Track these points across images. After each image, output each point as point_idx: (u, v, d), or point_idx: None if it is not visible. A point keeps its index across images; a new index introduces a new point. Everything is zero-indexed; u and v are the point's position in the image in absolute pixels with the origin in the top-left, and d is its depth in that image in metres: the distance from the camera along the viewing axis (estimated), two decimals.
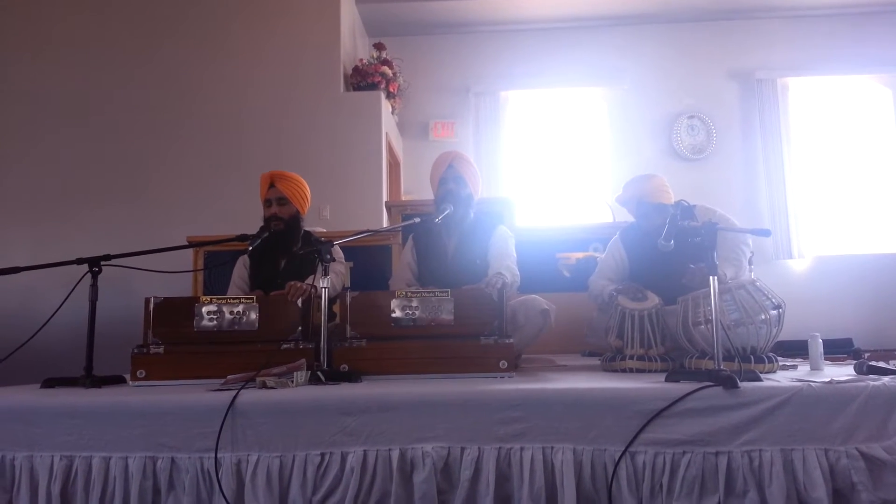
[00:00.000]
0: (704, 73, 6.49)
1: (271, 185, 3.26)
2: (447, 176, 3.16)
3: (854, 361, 2.49)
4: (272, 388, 2.23)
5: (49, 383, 2.63)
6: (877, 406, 2.00)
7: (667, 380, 2.22)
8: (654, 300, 2.79)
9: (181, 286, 4.26)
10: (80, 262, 2.74)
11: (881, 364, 2.35)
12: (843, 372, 2.41)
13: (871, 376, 2.17)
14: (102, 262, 2.75)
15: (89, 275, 2.73)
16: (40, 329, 2.75)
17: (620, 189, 3.10)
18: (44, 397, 2.28)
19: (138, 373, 2.57)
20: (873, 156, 6.36)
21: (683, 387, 2.05)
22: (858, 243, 6.24)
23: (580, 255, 4.18)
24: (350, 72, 5.79)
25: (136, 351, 2.60)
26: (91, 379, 2.59)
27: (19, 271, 2.73)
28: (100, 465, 2.09)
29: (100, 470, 2.08)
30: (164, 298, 2.66)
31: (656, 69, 6.51)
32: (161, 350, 2.60)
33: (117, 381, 2.72)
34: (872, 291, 5.95)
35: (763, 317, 2.45)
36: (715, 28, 6.53)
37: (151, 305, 2.64)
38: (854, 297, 5.92)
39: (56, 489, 2.08)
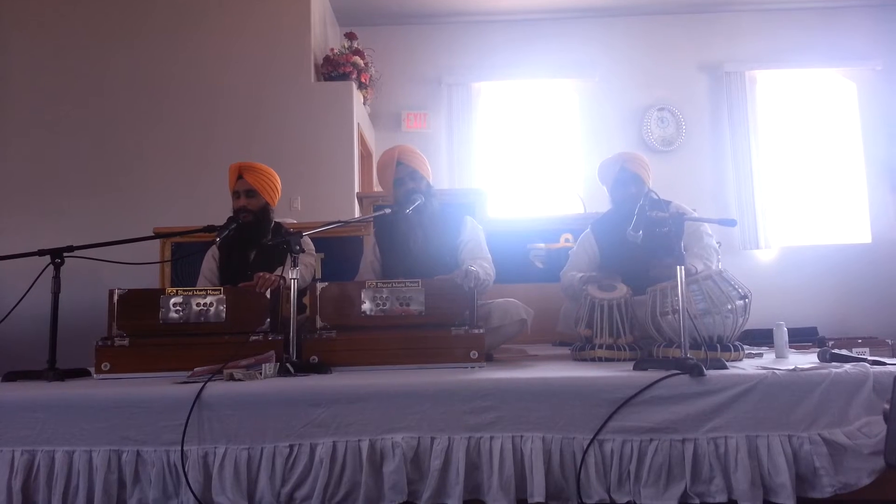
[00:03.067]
0: (674, 66, 6.55)
1: (239, 177, 3.20)
2: (402, 175, 3.06)
3: (818, 349, 2.54)
4: (240, 380, 2.20)
5: (11, 376, 2.58)
6: (838, 393, 2.04)
7: (635, 368, 2.24)
8: (622, 290, 2.81)
9: (149, 278, 4.20)
10: (41, 253, 2.68)
11: (844, 352, 2.40)
12: (807, 360, 2.45)
13: (834, 364, 2.21)
14: (65, 254, 2.69)
15: (52, 266, 2.67)
16: (1, 321, 2.68)
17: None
18: (5, 391, 2.23)
19: (103, 365, 2.53)
20: (838, 148, 6.47)
21: (651, 375, 2.08)
22: (823, 234, 6.36)
23: (551, 245, 4.19)
24: (321, 62, 5.73)
25: (100, 343, 2.55)
26: (54, 372, 2.54)
27: None
28: (63, 459, 2.05)
29: (63, 464, 2.05)
30: (129, 290, 2.62)
31: (627, 61, 6.55)
32: (126, 342, 2.55)
33: (81, 374, 2.68)
34: (837, 281, 6.07)
35: (730, 307, 2.48)
36: (684, 21, 6.58)
37: (116, 297, 2.60)
38: (819, 287, 6.05)
39: (17, 484, 2.04)
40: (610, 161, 3.22)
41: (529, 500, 1.96)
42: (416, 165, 3.09)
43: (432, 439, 2.02)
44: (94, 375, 2.56)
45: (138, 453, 2.05)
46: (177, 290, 2.62)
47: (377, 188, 6.12)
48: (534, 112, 6.65)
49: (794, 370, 2.10)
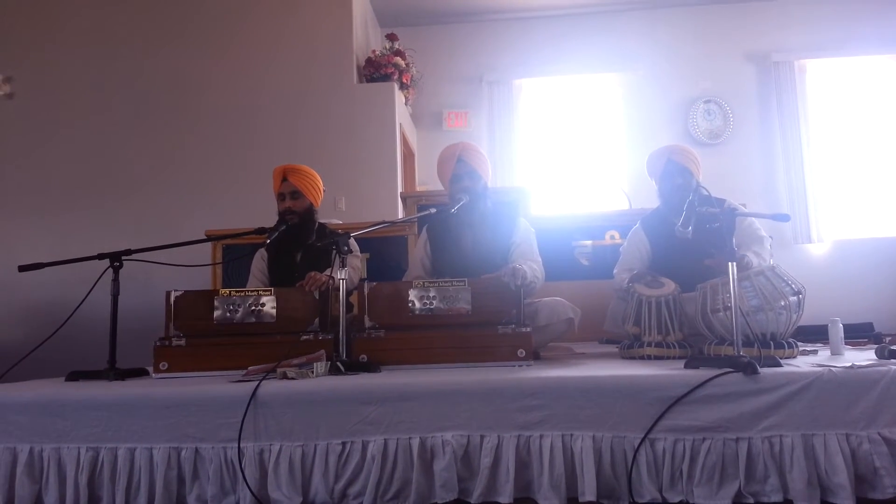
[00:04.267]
0: (720, 57, 6.42)
1: (284, 179, 3.26)
2: (460, 172, 3.07)
3: (875, 346, 2.47)
4: (293, 378, 2.25)
5: (73, 376, 2.67)
6: None
7: (686, 366, 2.22)
8: (670, 286, 2.78)
9: (200, 280, 4.30)
10: (101, 256, 2.78)
11: None
12: (864, 356, 2.39)
13: (893, 360, 2.16)
14: (123, 257, 2.78)
15: (111, 269, 2.76)
16: (64, 323, 2.79)
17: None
18: (69, 390, 2.32)
19: (161, 365, 2.61)
20: (893, 137, 6.26)
21: (703, 373, 2.05)
22: (878, 226, 6.16)
23: (597, 242, 4.16)
24: (363, 63, 5.79)
25: (158, 343, 2.63)
26: (115, 371, 2.63)
27: (43, 267, 2.77)
28: (125, 456, 2.12)
29: (125, 461, 2.12)
30: (185, 291, 2.69)
31: (671, 53, 6.45)
32: (183, 342, 2.63)
33: (140, 373, 2.77)
34: (893, 275, 5.87)
35: (783, 303, 2.44)
36: (730, 10, 6.45)
37: (172, 298, 2.68)
38: (874, 281, 5.86)
39: (83, 480, 2.12)
40: (657, 153, 3.19)
41: (580, 499, 1.96)
42: (476, 164, 3.09)
43: (482, 437, 2.04)
44: (153, 375, 2.65)
45: (197, 450, 2.11)
46: (230, 292, 2.69)
47: (420, 187, 6.18)
48: (577, 107, 6.60)
49: (851, 367, 2.05)
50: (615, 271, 3.22)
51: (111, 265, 2.75)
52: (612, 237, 4.11)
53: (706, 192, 2.95)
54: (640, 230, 3.25)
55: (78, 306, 2.81)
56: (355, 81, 5.62)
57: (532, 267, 2.88)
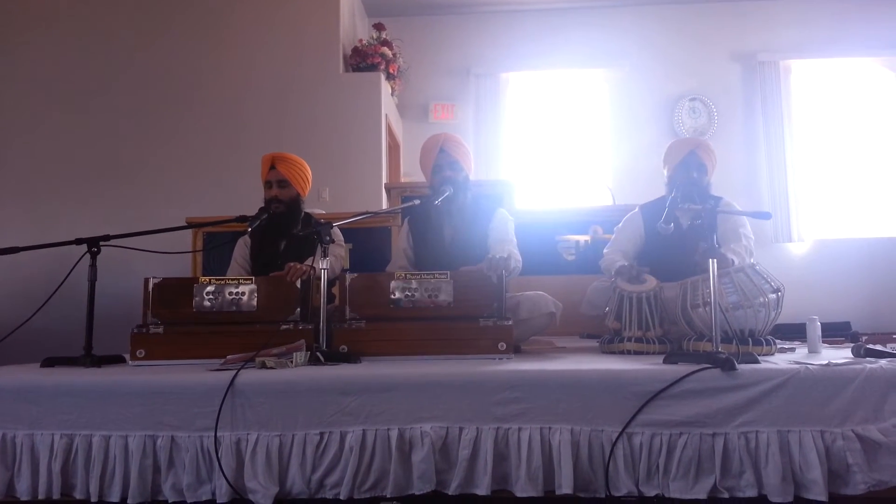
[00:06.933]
0: (706, 55, 6.44)
1: (272, 167, 3.24)
2: (441, 162, 3.08)
3: (852, 344, 2.50)
4: (271, 368, 2.24)
5: (49, 362, 2.63)
6: (873, 388, 2.02)
7: (665, 362, 2.23)
8: (652, 282, 2.79)
9: (180, 267, 4.26)
10: (79, 242, 2.74)
11: (878, 347, 2.36)
12: (840, 355, 2.42)
13: (868, 359, 2.18)
14: (102, 243, 2.75)
15: (88, 255, 2.73)
16: (40, 308, 2.75)
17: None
18: (44, 376, 2.29)
19: (138, 352, 2.58)
20: (875, 140, 6.32)
21: (681, 368, 2.07)
22: (858, 227, 6.24)
23: (580, 237, 4.17)
24: (349, 53, 5.75)
25: (135, 331, 2.60)
26: (91, 358, 2.60)
27: (18, 251, 2.73)
28: (100, 444, 2.10)
29: (100, 448, 2.10)
30: (164, 279, 2.66)
31: (658, 51, 6.46)
32: (160, 330, 2.60)
33: (117, 360, 2.73)
34: (871, 275, 5.95)
35: (762, 300, 2.45)
36: (717, 9, 6.47)
37: (151, 286, 2.65)
38: (853, 281, 5.93)
39: (56, 467, 2.09)
40: (682, 142, 3.22)
41: (557, 492, 1.96)
42: (458, 156, 3.10)
43: (461, 429, 2.04)
44: (129, 362, 2.61)
45: (173, 439, 2.09)
46: (210, 280, 2.66)
47: (405, 179, 6.16)
48: (563, 102, 6.60)
49: (827, 365, 2.07)
50: (605, 250, 3.22)
51: (88, 250, 2.72)
52: (596, 232, 4.13)
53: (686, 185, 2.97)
54: (638, 215, 3.25)
55: (54, 291, 2.78)
56: (341, 71, 5.58)
57: (510, 250, 2.90)
